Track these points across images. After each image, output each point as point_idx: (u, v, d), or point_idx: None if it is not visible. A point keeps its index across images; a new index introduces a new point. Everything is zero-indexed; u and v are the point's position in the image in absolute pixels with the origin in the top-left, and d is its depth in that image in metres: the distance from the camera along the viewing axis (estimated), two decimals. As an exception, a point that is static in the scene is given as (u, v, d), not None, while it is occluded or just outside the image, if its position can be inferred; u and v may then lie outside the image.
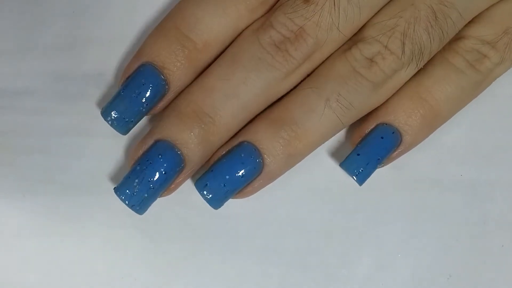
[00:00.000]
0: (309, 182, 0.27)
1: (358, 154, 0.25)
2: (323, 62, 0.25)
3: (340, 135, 0.27)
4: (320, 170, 0.27)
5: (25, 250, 0.27)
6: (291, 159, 0.25)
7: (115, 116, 0.24)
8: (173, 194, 0.26)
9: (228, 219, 0.27)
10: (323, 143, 0.26)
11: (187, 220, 0.27)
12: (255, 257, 0.27)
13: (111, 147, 0.27)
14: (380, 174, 0.27)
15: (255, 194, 0.26)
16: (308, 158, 0.26)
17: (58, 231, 0.27)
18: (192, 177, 0.27)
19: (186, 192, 0.26)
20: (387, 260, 0.27)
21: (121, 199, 0.24)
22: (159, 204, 0.26)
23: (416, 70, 0.25)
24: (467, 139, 0.28)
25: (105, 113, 0.25)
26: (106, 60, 0.27)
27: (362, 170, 0.25)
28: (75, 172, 0.27)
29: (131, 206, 0.24)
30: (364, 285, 0.27)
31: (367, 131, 0.25)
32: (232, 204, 0.26)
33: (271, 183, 0.26)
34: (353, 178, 0.25)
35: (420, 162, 0.27)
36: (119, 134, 0.25)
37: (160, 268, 0.27)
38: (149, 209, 0.25)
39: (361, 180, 0.25)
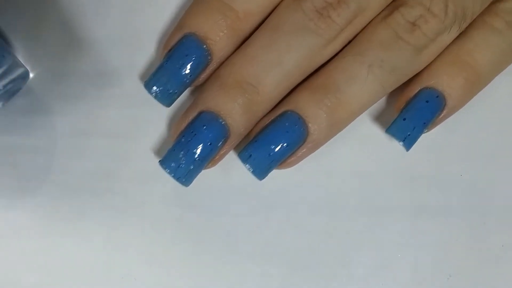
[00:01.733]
0: (309, 182, 0.27)
1: (404, 119, 0.25)
2: (364, 28, 0.25)
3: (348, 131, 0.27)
4: (319, 170, 0.27)
5: (25, 250, 0.27)
6: (335, 127, 0.25)
7: (159, 88, 0.24)
8: (173, 193, 0.26)
9: (228, 219, 0.27)
10: (365, 110, 0.25)
11: (187, 220, 0.27)
12: (255, 257, 0.27)
13: (111, 147, 0.27)
14: (381, 174, 0.27)
15: (253, 193, 0.26)
16: (307, 159, 0.26)
17: (58, 231, 0.27)
18: (234, 149, 0.27)
19: (186, 192, 0.26)
20: (387, 260, 0.27)
21: (166, 172, 0.24)
22: (159, 204, 0.26)
23: (459, 32, 0.25)
24: (467, 139, 0.28)
25: (148, 86, 0.25)
26: (106, 60, 0.27)
27: (409, 135, 0.25)
28: (75, 172, 0.27)
29: (177, 179, 0.24)
30: (364, 285, 0.27)
31: (411, 95, 0.25)
32: (232, 204, 0.27)
33: (271, 182, 0.26)
34: (400, 143, 0.25)
35: (420, 162, 0.27)
36: (119, 134, 0.25)
37: (160, 268, 0.27)
38: (149, 209, 0.25)
39: (408, 145, 0.25)
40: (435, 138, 0.27)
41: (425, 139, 0.27)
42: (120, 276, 0.27)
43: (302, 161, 0.26)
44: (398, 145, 0.27)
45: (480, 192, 0.27)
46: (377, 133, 0.27)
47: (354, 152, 0.27)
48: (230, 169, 0.27)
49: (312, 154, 0.26)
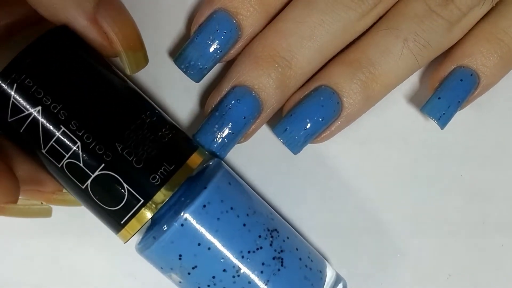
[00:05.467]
0: (309, 181, 0.27)
1: (439, 98, 0.25)
2: (397, 2, 0.25)
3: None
4: (319, 170, 0.27)
5: (25, 250, 0.27)
6: (369, 101, 0.25)
7: (190, 63, 0.24)
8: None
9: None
10: (398, 85, 0.25)
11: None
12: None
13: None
14: (381, 174, 0.27)
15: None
16: (306, 159, 0.26)
17: (58, 231, 0.27)
18: (269, 124, 0.27)
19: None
20: (387, 260, 0.27)
21: (200, 145, 0.24)
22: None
23: (491, 6, 0.25)
24: (467, 139, 0.28)
25: (179, 61, 0.25)
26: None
27: (444, 114, 0.25)
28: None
29: (212, 152, 0.24)
30: (364, 285, 0.27)
31: (445, 74, 0.25)
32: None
33: (266, 181, 0.26)
34: (435, 122, 0.25)
35: (420, 162, 0.27)
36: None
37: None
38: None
39: (443, 123, 0.25)
40: (436, 138, 0.27)
41: (426, 139, 0.27)
42: (120, 276, 0.27)
43: (299, 161, 0.26)
44: (397, 145, 0.27)
45: (480, 192, 0.27)
46: (377, 133, 0.27)
47: (354, 152, 0.27)
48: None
49: (312, 155, 0.26)
